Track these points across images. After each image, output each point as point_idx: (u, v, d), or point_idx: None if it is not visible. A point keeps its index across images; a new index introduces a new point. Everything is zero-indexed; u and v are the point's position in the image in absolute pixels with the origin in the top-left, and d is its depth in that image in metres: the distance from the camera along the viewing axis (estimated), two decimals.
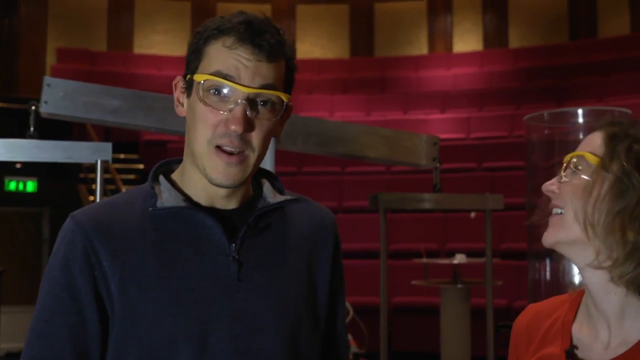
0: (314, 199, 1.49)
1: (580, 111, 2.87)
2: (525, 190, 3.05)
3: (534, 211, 3.06)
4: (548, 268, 2.90)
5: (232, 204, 1.34)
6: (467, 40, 14.72)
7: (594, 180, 1.22)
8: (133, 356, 1.24)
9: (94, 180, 2.70)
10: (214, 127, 1.25)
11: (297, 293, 1.35)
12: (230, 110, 1.24)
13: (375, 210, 3.36)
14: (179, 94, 1.34)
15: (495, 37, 14.58)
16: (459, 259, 5.52)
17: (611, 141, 1.24)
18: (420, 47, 14.87)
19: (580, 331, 1.30)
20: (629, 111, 2.79)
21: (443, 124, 11.88)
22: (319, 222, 1.43)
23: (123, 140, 10.52)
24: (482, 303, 6.30)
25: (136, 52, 14.35)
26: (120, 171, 10.17)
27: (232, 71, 1.24)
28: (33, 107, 2.74)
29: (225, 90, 1.25)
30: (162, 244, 1.28)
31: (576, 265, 1.29)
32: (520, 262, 7.52)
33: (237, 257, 1.29)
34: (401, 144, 3.34)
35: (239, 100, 1.24)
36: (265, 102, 1.27)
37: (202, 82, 1.26)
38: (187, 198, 1.32)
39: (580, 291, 1.35)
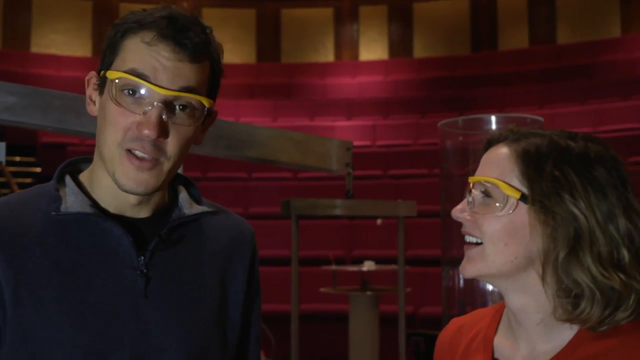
0: (213, 200, 1.38)
1: (493, 118, 2.87)
2: (440, 197, 3.03)
3: (446, 219, 3.06)
4: (461, 275, 2.87)
5: (143, 213, 1.22)
6: (372, 48, 14.87)
7: (515, 217, 1.16)
8: None
9: None
10: (124, 130, 1.13)
11: (208, 312, 1.24)
12: (144, 113, 1.12)
13: (285, 216, 3.27)
14: (91, 92, 1.21)
15: (400, 46, 14.79)
16: (368, 266, 5.50)
17: (527, 166, 1.16)
18: (326, 55, 14.93)
19: (501, 344, 1.27)
20: (541, 119, 2.80)
21: (349, 131, 11.93)
22: (236, 235, 1.33)
23: (19, 142, 10.07)
24: (390, 310, 6.32)
25: (33, 52, 13.80)
26: (16, 174, 9.70)
27: (149, 70, 1.12)
28: None
29: (140, 91, 1.13)
30: (64, 252, 1.15)
31: (497, 289, 1.24)
32: (426, 269, 7.60)
33: (145, 271, 1.18)
34: (313, 148, 3.26)
35: (155, 103, 1.12)
36: (184, 107, 1.15)
37: (116, 80, 1.13)
38: (94, 204, 1.19)
39: (502, 303, 1.31)
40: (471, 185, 1.22)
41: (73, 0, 14.13)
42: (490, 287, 2.77)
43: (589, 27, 13.61)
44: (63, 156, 9.73)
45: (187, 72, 1.14)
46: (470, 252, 1.20)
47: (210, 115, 1.22)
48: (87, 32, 14.02)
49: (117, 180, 1.16)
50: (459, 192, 3.01)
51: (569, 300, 1.13)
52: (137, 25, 1.15)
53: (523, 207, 1.15)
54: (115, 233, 1.17)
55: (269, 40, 14.90)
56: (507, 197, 1.16)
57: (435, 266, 7.50)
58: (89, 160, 1.27)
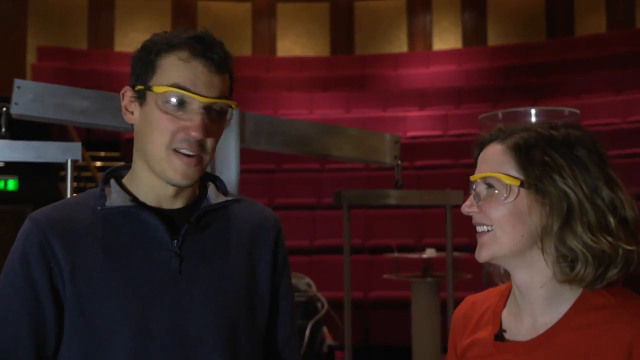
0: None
1: (533, 110, 2.99)
2: None
3: None
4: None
5: (178, 204, 1.45)
6: (446, 38, 14.86)
7: (518, 202, 1.34)
8: (82, 340, 1.35)
9: (74, 179, 2.79)
10: (172, 134, 1.36)
11: (236, 287, 1.45)
12: (191, 119, 1.35)
13: (337, 206, 3.45)
14: (127, 103, 1.45)
15: (473, 35, 14.73)
16: (429, 253, 5.66)
17: (519, 157, 1.35)
18: (400, 45, 15.00)
19: (508, 318, 1.45)
20: (577, 111, 2.91)
21: (421, 122, 12.01)
22: (260, 221, 1.54)
23: (104, 138, 10.56)
24: (455, 297, 6.39)
25: (117, 50, 14.38)
26: (101, 169, 10.21)
27: (189, 83, 1.35)
28: (4, 109, 2.82)
29: (184, 100, 1.36)
30: (109, 240, 1.39)
31: (507, 269, 1.42)
32: None
33: (178, 252, 1.40)
34: (366, 143, 3.44)
35: (198, 109, 1.36)
36: (218, 111, 1.39)
37: (164, 93, 1.36)
38: (134, 198, 1.43)
39: (509, 283, 1.49)
40: (474, 182, 1.41)
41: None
42: None
43: None
44: None
45: (217, 82, 1.38)
46: (482, 239, 1.39)
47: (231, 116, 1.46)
48: (166, 30, 14.48)
49: (166, 176, 1.39)
50: None
51: (567, 264, 1.32)
52: (169, 46, 1.38)
53: (523, 192, 1.34)
54: (152, 222, 1.40)
55: (342, 33, 15.07)
56: (509, 186, 1.35)
57: None
58: (127, 167, 1.51)
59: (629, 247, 1.31)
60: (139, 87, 1.41)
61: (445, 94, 12.98)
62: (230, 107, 1.41)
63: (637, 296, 1.36)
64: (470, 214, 1.41)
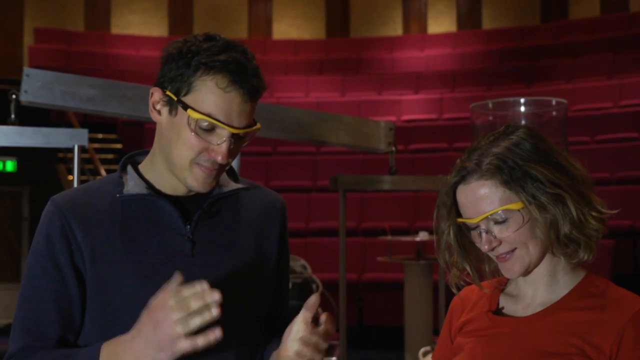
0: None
1: (522, 100, 3.13)
2: None
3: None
4: (511, 277, 3.14)
5: (192, 192, 1.54)
6: (441, 21, 14.93)
7: (529, 220, 1.45)
8: (102, 318, 1.47)
9: (72, 160, 2.90)
10: (198, 152, 1.44)
11: (245, 269, 1.55)
12: (218, 144, 1.43)
13: (334, 190, 3.57)
14: (155, 102, 1.50)
15: (468, 18, 14.80)
16: (422, 236, 5.79)
17: (511, 184, 1.44)
18: (395, 28, 15.06)
19: (505, 299, 1.57)
20: (564, 101, 3.03)
21: (416, 105, 12.11)
22: (268, 206, 1.64)
23: (101, 120, 10.63)
24: (445, 278, 6.51)
25: (113, 32, 14.40)
26: (98, 151, 10.30)
27: (224, 115, 1.41)
28: (14, 96, 2.93)
29: (215, 127, 1.42)
30: (127, 224, 1.49)
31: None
32: None
33: (191, 237, 1.50)
34: (361, 130, 3.56)
35: (226, 137, 1.42)
36: (245, 134, 1.46)
37: (197, 119, 1.41)
38: (150, 186, 1.53)
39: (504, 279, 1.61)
40: (479, 222, 1.47)
41: None
42: None
43: None
44: (142, 133, 10.28)
45: (249, 110, 1.45)
46: (511, 259, 1.48)
47: None
48: (162, 12, 14.54)
49: (186, 183, 1.48)
50: None
51: (572, 249, 1.47)
52: (207, 67, 1.42)
53: (531, 208, 1.44)
54: (166, 208, 1.50)
55: (338, 15, 15.11)
56: (520, 212, 1.45)
57: None
58: (144, 152, 1.60)
59: (610, 212, 1.48)
60: (170, 94, 1.46)
61: (440, 77, 13.06)
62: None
63: (621, 288, 1.51)
64: (498, 250, 1.48)
